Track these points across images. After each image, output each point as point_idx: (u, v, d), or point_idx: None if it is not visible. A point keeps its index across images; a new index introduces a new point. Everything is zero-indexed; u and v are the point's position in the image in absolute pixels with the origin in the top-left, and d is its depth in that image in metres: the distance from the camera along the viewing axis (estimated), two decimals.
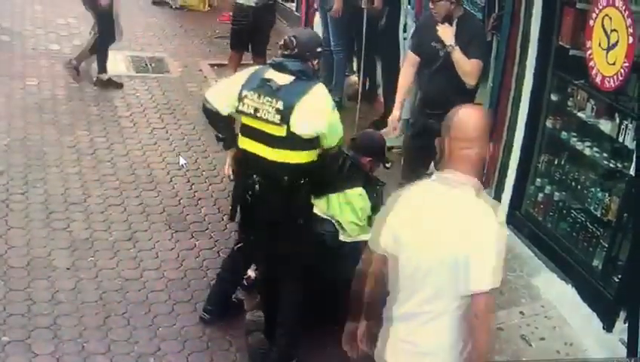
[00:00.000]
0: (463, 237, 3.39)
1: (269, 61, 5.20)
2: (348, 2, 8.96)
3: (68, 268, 6.11)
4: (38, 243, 6.39)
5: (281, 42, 5.06)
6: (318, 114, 4.88)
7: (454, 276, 3.42)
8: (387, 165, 5.74)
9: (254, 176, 4.97)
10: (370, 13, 8.57)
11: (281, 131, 4.84)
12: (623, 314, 5.33)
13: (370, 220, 5.41)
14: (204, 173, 7.76)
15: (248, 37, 9.14)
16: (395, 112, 6.53)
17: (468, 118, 3.57)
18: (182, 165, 7.85)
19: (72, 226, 6.67)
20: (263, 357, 5.25)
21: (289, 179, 4.92)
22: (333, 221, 5.40)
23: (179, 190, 7.43)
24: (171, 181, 7.56)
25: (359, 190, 5.44)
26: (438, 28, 6.10)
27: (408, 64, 6.55)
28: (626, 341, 5.08)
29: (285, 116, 4.80)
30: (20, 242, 6.38)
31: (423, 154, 6.47)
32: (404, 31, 8.18)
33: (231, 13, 9.60)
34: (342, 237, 5.40)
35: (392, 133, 6.55)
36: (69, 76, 9.64)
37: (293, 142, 4.86)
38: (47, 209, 6.88)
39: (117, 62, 10.28)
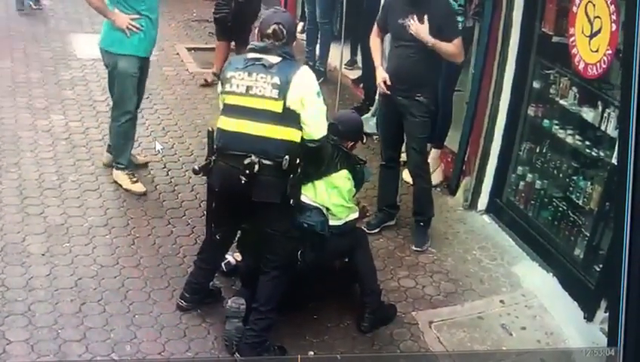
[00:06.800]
0: None
1: (249, 46, 5.21)
2: None
3: (43, 254, 6.01)
4: (12, 228, 6.29)
5: (269, 31, 5.09)
6: (307, 87, 5.00)
7: None
8: (364, 141, 5.87)
9: (252, 156, 4.95)
10: None
11: (277, 106, 4.93)
12: (604, 304, 5.33)
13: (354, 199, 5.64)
14: (180, 158, 7.66)
15: (231, 26, 9.07)
16: (381, 72, 6.39)
17: None
18: (158, 150, 7.75)
19: (47, 212, 6.56)
20: (238, 343, 5.21)
21: (290, 159, 4.95)
22: (322, 208, 5.39)
23: (155, 175, 7.33)
24: (147, 166, 7.46)
25: (344, 173, 5.47)
26: (410, 28, 6.09)
27: (374, 35, 6.57)
28: (607, 330, 5.05)
29: (282, 91, 4.91)
30: None
31: (397, 132, 6.49)
32: None
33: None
34: (332, 222, 5.42)
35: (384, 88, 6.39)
36: (44, 59, 9.51)
37: (289, 118, 4.96)
38: (22, 194, 6.77)
39: (93, 46, 10.12)
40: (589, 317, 5.46)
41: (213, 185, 5.29)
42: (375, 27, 6.57)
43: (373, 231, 6.52)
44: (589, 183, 5.74)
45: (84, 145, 7.72)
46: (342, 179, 5.44)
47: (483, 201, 6.91)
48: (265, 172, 4.96)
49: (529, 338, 5.52)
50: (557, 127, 6.11)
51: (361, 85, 9.15)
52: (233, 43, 9.23)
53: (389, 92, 6.31)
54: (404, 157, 6.77)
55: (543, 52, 6.27)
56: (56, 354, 5.09)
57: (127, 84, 6.88)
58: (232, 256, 5.85)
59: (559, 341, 5.47)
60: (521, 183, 6.54)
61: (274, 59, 5.00)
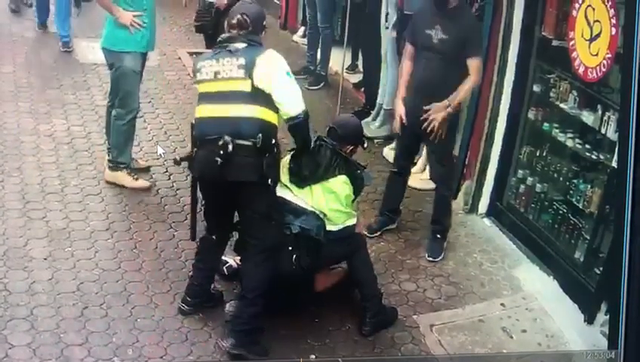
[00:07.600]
0: None
1: (218, 39, 5.35)
2: None
3: (45, 259, 6.03)
4: (14, 233, 6.30)
5: (234, 21, 5.26)
6: (274, 66, 5.10)
7: None
8: (364, 146, 5.83)
9: (225, 136, 5.00)
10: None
11: (245, 86, 5.04)
12: (604, 306, 5.34)
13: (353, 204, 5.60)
14: (182, 162, 7.65)
15: (213, 34, 9.03)
16: (400, 108, 6.33)
17: None
18: (160, 154, 7.76)
19: (49, 216, 6.58)
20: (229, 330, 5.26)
21: (262, 138, 5.01)
22: (318, 212, 5.38)
23: (157, 179, 7.34)
24: (149, 170, 7.47)
25: (343, 178, 5.44)
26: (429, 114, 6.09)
27: (407, 58, 6.41)
28: (607, 333, 5.06)
29: (248, 70, 5.03)
30: None
31: (415, 144, 6.50)
32: (386, 20, 8.13)
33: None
34: (329, 227, 5.41)
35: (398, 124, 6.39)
36: (46, 64, 9.51)
37: (259, 97, 5.05)
38: (24, 198, 6.78)
39: (95, 51, 10.13)
40: (590, 319, 5.46)
41: (195, 173, 5.40)
42: (408, 46, 6.41)
43: (374, 235, 6.53)
44: (589, 186, 5.74)
45: (86, 150, 7.73)
46: (340, 184, 5.41)
47: (484, 205, 6.91)
48: (239, 152, 5.01)
49: (530, 341, 5.51)
50: (557, 130, 6.11)
51: (363, 89, 9.15)
52: None
53: (405, 124, 6.30)
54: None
55: (543, 56, 6.27)
56: (58, 358, 5.10)
57: (132, 81, 6.93)
58: (233, 260, 5.85)
59: (560, 344, 5.46)
60: (522, 186, 6.54)
61: (240, 45, 5.14)
